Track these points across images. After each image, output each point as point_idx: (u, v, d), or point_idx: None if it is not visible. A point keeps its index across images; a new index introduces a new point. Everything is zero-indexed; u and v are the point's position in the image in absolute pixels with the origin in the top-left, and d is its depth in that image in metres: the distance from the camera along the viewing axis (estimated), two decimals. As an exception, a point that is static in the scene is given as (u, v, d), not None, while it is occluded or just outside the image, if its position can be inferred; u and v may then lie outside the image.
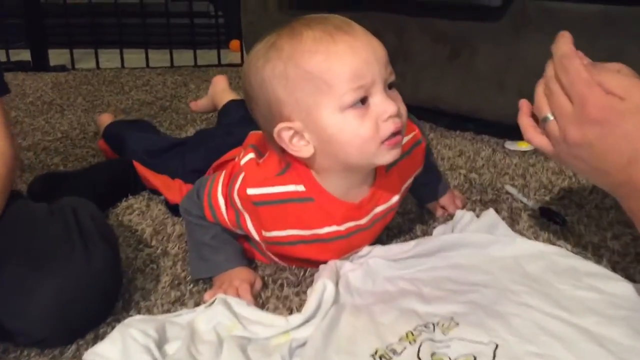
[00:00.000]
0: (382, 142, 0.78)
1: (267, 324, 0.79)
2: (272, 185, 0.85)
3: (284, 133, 0.80)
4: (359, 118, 0.77)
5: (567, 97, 0.70)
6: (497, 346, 0.72)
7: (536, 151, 1.43)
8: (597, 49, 1.22)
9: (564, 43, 0.73)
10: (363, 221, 0.89)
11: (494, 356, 0.70)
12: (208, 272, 0.91)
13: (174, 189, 1.15)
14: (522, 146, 1.45)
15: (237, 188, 0.86)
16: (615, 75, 0.69)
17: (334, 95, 0.76)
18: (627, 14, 1.26)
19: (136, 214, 1.17)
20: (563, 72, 0.71)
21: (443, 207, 1.12)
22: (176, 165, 1.18)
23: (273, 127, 0.80)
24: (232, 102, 1.48)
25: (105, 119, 1.55)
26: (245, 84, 0.83)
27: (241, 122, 1.37)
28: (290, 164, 0.85)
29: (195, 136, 1.33)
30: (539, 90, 0.76)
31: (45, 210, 0.89)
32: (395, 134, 0.78)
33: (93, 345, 0.76)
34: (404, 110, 0.81)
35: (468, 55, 1.47)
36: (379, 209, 0.90)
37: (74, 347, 0.79)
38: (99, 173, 1.27)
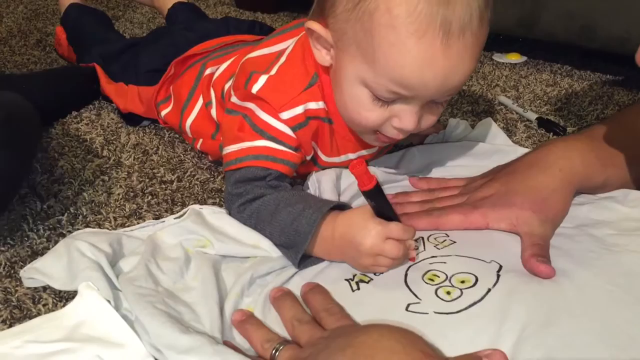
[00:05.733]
0: (376, 132, 0.69)
1: (248, 243, 0.67)
2: (299, 103, 0.70)
3: (314, 26, 0.66)
4: (373, 105, 0.65)
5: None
6: (500, 267, 0.61)
7: (527, 63, 1.32)
8: None
9: None
10: (374, 149, 0.79)
11: (497, 278, 0.59)
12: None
13: (127, 95, 1.01)
14: (512, 58, 1.33)
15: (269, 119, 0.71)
16: None
17: (369, 72, 0.62)
18: None
19: (84, 123, 1.02)
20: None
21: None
22: (130, 70, 1.03)
23: (314, 13, 0.67)
24: (179, 4, 1.30)
25: None
26: None
27: (198, 18, 1.21)
28: (318, 75, 0.70)
29: (150, 35, 1.17)
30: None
31: None
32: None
33: (31, 261, 0.64)
34: (426, 125, 0.68)
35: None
36: None
37: (6, 263, 0.66)
38: (57, 79, 1.10)
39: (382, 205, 0.61)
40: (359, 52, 0.62)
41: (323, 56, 0.68)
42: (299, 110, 0.69)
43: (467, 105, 1.10)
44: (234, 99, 0.73)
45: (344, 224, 0.63)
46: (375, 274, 0.62)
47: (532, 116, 1.04)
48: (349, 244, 0.62)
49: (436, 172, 0.84)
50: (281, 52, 0.72)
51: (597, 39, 1.17)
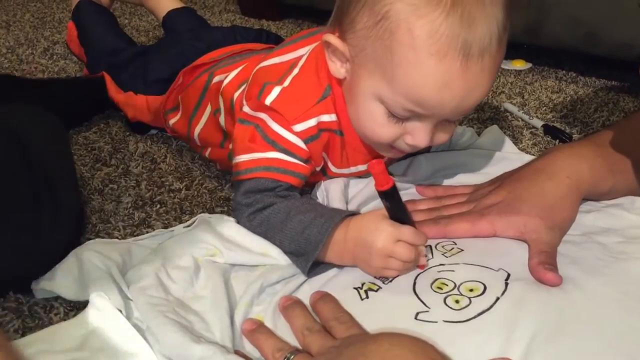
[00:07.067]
0: (389, 145, 0.70)
1: (257, 252, 0.67)
2: (313, 116, 0.70)
3: (331, 40, 0.66)
4: (387, 121, 0.65)
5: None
6: (508, 275, 0.61)
7: (532, 70, 1.32)
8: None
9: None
10: (385, 158, 0.79)
11: (506, 286, 0.59)
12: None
13: (135, 104, 1.01)
14: (517, 65, 1.34)
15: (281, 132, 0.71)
16: None
17: (386, 90, 0.63)
18: None
19: (93, 132, 1.03)
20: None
21: None
22: (139, 80, 1.04)
23: (331, 25, 0.67)
24: (174, 12, 1.30)
25: None
26: None
27: (204, 27, 1.22)
28: (331, 87, 0.71)
29: (158, 44, 1.18)
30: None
31: None
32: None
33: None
34: (438, 142, 0.69)
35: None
36: None
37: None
38: (66, 86, 1.11)
39: (397, 207, 0.62)
40: (378, 69, 0.62)
41: (338, 69, 0.68)
42: (311, 122, 0.69)
43: (473, 112, 1.11)
44: (246, 109, 0.73)
45: (356, 227, 0.63)
46: (384, 282, 0.63)
47: (538, 123, 1.04)
48: (361, 246, 0.62)
49: (443, 180, 0.84)
50: (294, 63, 0.73)
51: (602, 45, 1.17)
